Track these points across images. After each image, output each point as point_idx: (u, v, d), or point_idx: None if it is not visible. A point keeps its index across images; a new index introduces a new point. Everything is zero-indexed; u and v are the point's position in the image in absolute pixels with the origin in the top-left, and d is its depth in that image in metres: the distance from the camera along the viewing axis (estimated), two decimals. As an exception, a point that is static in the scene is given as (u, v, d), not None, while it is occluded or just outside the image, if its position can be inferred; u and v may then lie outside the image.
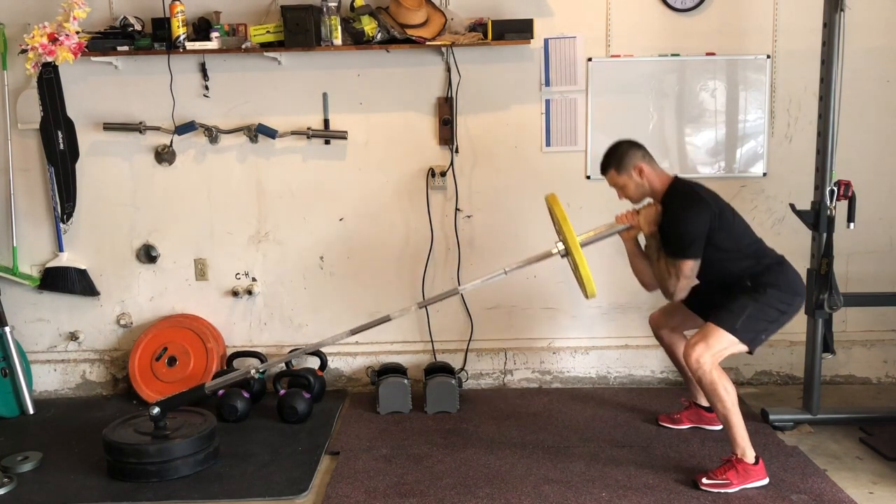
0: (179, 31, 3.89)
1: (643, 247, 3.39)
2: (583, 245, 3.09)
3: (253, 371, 3.42)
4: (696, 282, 3.24)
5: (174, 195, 4.24)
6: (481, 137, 4.18)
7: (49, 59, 3.80)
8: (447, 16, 3.97)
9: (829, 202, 3.52)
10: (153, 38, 3.96)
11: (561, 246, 3.19)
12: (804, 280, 3.29)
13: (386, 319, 3.43)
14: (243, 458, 3.45)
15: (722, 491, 3.03)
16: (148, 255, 4.28)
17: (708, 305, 3.25)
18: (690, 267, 3.13)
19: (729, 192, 4.19)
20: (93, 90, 4.14)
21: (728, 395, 3.03)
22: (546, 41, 4.09)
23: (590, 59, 4.10)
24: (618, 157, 3.28)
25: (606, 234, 3.35)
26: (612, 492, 3.07)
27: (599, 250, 4.04)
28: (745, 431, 3.08)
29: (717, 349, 3.06)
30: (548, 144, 4.18)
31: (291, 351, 4.23)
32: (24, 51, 3.84)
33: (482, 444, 3.54)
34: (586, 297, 3.09)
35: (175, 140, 4.16)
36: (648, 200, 3.33)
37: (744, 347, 3.10)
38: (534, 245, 4.24)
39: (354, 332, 3.47)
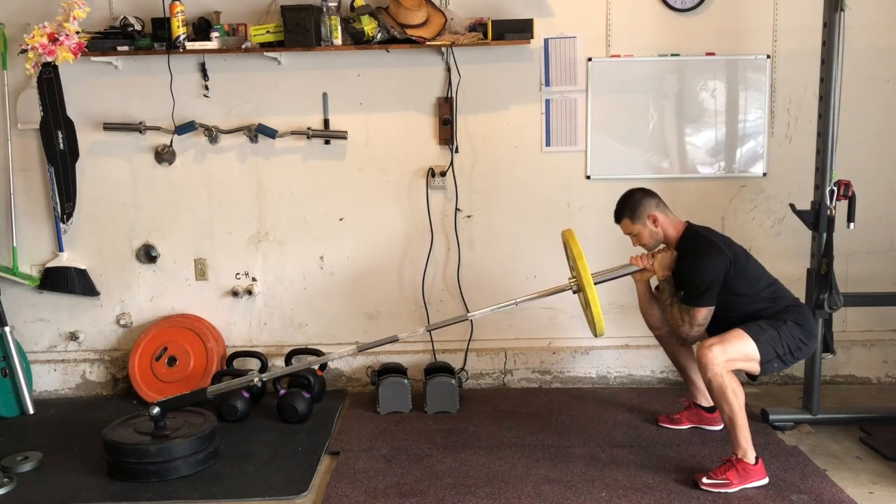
0: (179, 31, 3.89)
1: (654, 290, 3.47)
2: (596, 283, 3.12)
3: (256, 380, 3.43)
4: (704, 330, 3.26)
5: (174, 195, 4.24)
6: (481, 137, 4.18)
7: (49, 59, 3.80)
8: (447, 16, 3.97)
9: (829, 202, 3.51)
10: (153, 38, 3.96)
11: (573, 282, 3.27)
12: (807, 313, 3.28)
13: (394, 339, 3.48)
14: (243, 458, 3.45)
15: (722, 491, 3.03)
16: (148, 255, 4.28)
17: (724, 327, 3.22)
18: (704, 315, 3.17)
19: (729, 192, 4.21)
20: (93, 90, 4.15)
21: (736, 399, 3.03)
22: (546, 41, 4.09)
23: (590, 59, 4.10)
24: (631, 206, 3.31)
25: (620, 274, 3.41)
26: (612, 492, 3.07)
27: (599, 250, 4.05)
28: (749, 433, 3.07)
29: (732, 354, 3.05)
30: (548, 144, 4.18)
31: (291, 352, 4.24)
32: (24, 51, 3.84)
33: (482, 444, 3.54)
34: (595, 335, 3.16)
35: (175, 140, 4.16)
36: (662, 246, 3.36)
37: (754, 365, 3.09)
38: (534, 245, 4.26)
39: (362, 349, 3.53)
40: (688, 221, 3.35)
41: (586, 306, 3.20)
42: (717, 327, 3.20)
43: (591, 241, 4.20)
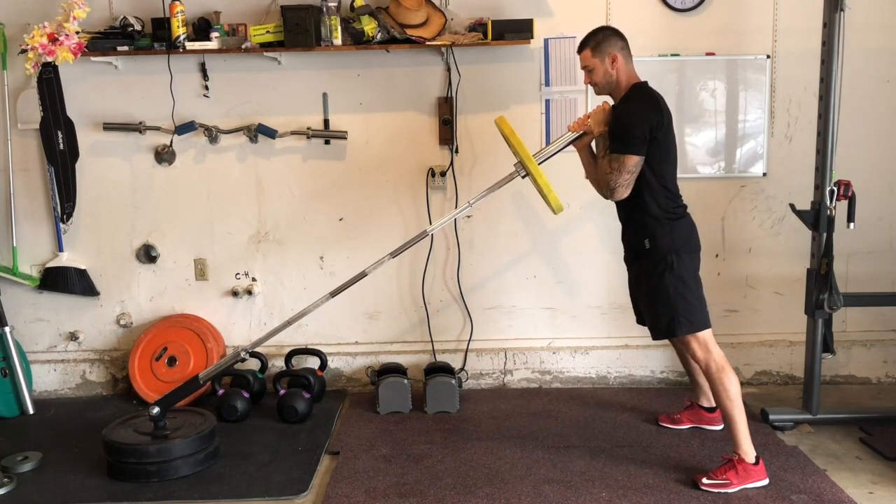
0: (179, 31, 3.89)
1: (597, 156, 3.34)
2: (540, 161, 3.13)
3: (242, 354, 3.43)
4: (625, 197, 3.19)
5: (174, 195, 4.24)
6: (481, 137, 4.17)
7: (49, 59, 3.80)
8: (447, 16, 3.97)
9: (829, 202, 3.51)
10: (153, 38, 3.96)
11: (518, 166, 3.21)
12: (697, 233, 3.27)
13: (362, 276, 3.46)
14: (243, 458, 3.45)
15: (722, 491, 3.03)
16: (148, 255, 4.28)
17: (644, 310, 3.31)
18: (634, 162, 3.07)
19: (729, 192, 4.21)
20: (93, 90, 4.14)
21: (732, 386, 3.06)
22: (546, 41, 4.09)
23: (590, 59, 4.10)
24: (597, 39, 3.22)
25: (561, 145, 3.34)
26: (612, 492, 3.07)
27: (599, 250, 4.05)
28: (747, 430, 3.08)
29: (706, 344, 3.14)
30: (548, 144, 4.17)
31: (291, 352, 4.24)
32: (24, 51, 3.84)
33: (482, 444, 3.54)
34: (553, 211, 3.14)
35: (175, 140, 4.16)
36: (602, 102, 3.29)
37: (707, 329, 3.15)
38: (533, 245, 4.26)
39: (334, 293, 3.48)
40: (645, 81, 3.25)
41: (536, 185, 3.14)
42: (631, 286, 3.36)
43: (591, 242, 4.21)
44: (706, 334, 3.15)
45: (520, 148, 3.08)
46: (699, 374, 3.50)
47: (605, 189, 3.19)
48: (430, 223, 4.22)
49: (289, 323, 3.62)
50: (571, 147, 3.34)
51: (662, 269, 3.13)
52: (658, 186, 3.14)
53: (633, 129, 3.06)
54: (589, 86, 3.30)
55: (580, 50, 3.28)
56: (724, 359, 3.13)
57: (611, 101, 3.28)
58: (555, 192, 3.07)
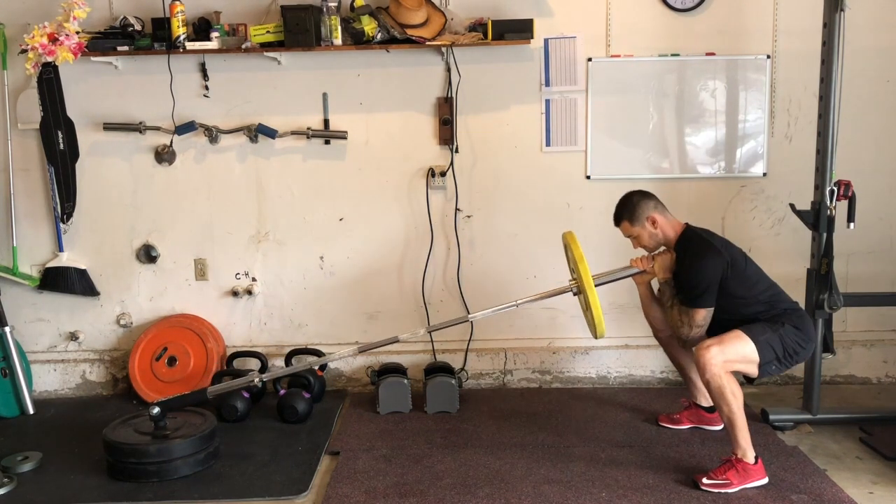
0: (179, 31, 3.89)
1: (656, 292, 3.47)
2: (596, 285, 3.13)
3: (256, 380, 3.43)
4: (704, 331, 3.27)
5: (174, 195, 4.24)
6: (481, 137, 4.18)
7: (49, 59, 3.80)
8: (447, 16, 3.97)
9: (829, 202, 3.51)
10: (153, 38, 3.96)
11: (574, 284, 3.28)
12: (808, 318, 3.28)
13: (394, 340, 3.47)
14: (243, 458, 3.45)
15: (722, 491, 3.03)
16: (148, 255, 4.28)
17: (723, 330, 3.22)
18: (703, 316, 3.18)
19: (729, 192, 4.21)
20: (93, 90, 4.14)
21: (735, 400, 3.03)
22: (546, 41, 4.09)
23: (590, 59, 4.10)
24: (630, 209, 3.32)
25: (620, 276, 3.43)
26: (612, 492, 3.07)
27: (599, 250, 4.05)
28: (748, 433, 3.07)
29: (730, 355, 3.05)
30: (548, 144, 4.18)
31: (291, 352, 4.24)
32: (24, 51, 3.84)
33: (482, 444, 3.54)
34: (595, 336, 3.18)
35: (175, 140, 4.16)
36: (662, 248, 3.37)
37: (753, 368, 3.09)
38: (534, 245, 4.26)
39: (363, 350, 3.54)
40: (686, 223, 3.35)
41: (587, 308, 3.21)
42: (717, 331, 3.19)
43: (591, 242, 4.19)
44: (741, 361, 3.08)
45: (584, 273, 3.09)
46: (694, 373, 3.49)
47: (677, 337, 3.33)
48: (430, 223, 4.23)
49: (310, 365, 3.72)
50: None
51: (769, 323, 3.13)
52: (755, 302, 3.20)
53: (700, 286, 3.15)
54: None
55: (617, 223, 3.38)
56: (726, 367, 3.05)
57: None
58: (604, 321, 3.10)
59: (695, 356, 3.14)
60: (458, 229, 4.23)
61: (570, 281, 3.34)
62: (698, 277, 3.15)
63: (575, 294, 3.32)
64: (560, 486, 3.12)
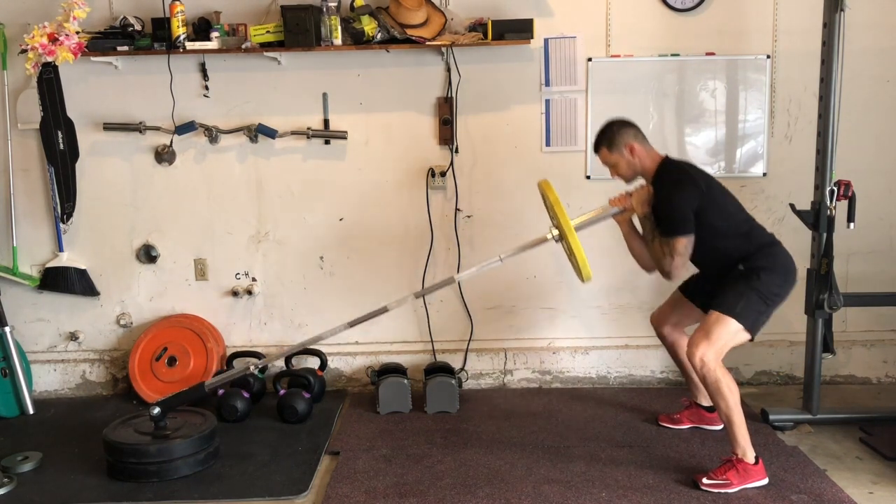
0: (179, 31, 3.89)
1: (639, 230, 3.40)
2: (577, 229, 3.11)
3: (252, 367, 3.42)
4: (692, 266, 3.27)
5: (174, 195, 4.24)
6: (481, 137, 4.18)
7: (49, 59, 3.80)
8: (447, 16, 3.97)
9: (829, 202, 3.52)
10: (153, 38, 3.96)
11: (555, 231, 3.21)
12: (796, 267, 3.25)
13: (383, 311, 3.44)
14: (243, 458, 3.45)
15: (722, 491, 3.03)
16: (148, 255, 4.28)
17: (705, 294, 3.27)
18: (684, 244, 3.13)
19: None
20: (93, 90, 4.14)
21: (731, 395, 3.04)
22: (546, 41, 4.09)
23: (590, 59, 4.10)
24: (609, 136, 3.29)
25: (600, 217, 3.36)
26: (612, 492, 3.07)
27: (599, 251, 4.05)
28: (747, 431, 3.08)
29: (719, 344, 3.06)
30: (548, 144, 4.19)
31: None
32: (24, 51, 3.84)
33: (482, 444, 3.54)
34: (582, 280, 3.12)
35: (175, 140, 4.16)
36: (641, 181, 3.35)
37: (745, 336, 3.10)
38: (534, 245, 4.25)
39: (352, 324, 3.47)
40: (666, 154, 3.31)
41: (570, 253, 3.14)
42: (697, 281, 3.30)
43: (591, 241, 4.19)
44: (732, 340, 3.09)
45: (563, 218, 3.06)
46: (695, 373, 3.48)
47: (661, 272, 3.25)
48: (430, 223, 4.23)
49: (303, 345, 3.67)
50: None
51: (745, 277, 3.12)
52: (733, 234, 3.19)
53: (676, 213, 3.13)
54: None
55: (596, 150, 3.35)
56: (719, 359, 3.07)
57: (642, 181, 3.34)
58: (588, 264, 3.05)
59: (687, 355, 3.15)
60: (458, 229, 4.24)
61: (551, 228, 3.25)
62: (674, 205, 3.13)
63: (557, 241, 3.23)
64: (560, 486, 3.12)
